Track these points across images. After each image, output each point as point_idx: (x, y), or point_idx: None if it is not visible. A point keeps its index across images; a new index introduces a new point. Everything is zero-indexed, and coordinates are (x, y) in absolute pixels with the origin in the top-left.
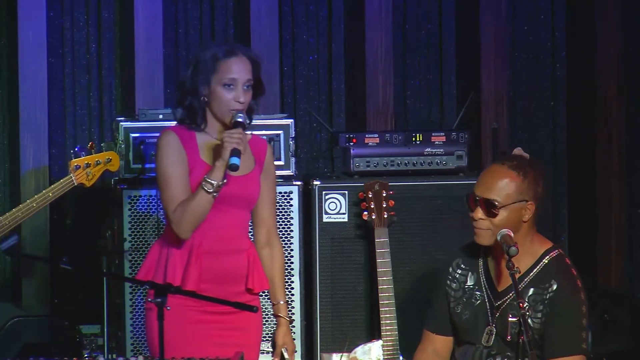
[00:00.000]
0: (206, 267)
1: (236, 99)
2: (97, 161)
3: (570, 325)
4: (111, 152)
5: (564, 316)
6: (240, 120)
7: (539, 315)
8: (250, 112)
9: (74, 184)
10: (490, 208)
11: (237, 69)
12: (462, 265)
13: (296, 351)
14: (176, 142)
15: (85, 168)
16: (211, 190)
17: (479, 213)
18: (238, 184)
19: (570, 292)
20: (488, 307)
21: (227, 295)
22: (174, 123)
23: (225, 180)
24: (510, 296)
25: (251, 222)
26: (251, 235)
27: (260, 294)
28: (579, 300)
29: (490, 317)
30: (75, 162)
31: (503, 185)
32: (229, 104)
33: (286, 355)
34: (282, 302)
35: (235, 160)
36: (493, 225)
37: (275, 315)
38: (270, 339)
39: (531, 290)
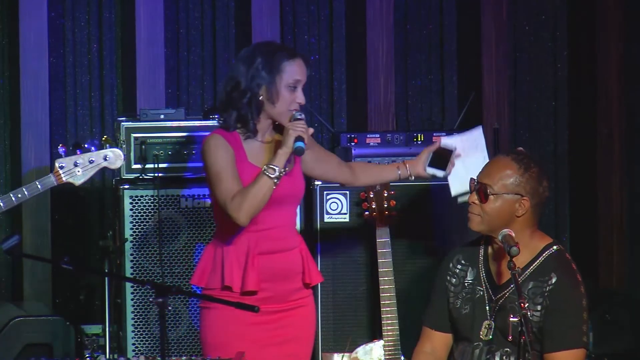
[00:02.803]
0: (263, 267)
1: (297, 100)
2: (90, 159)
3: (570, 318)
4: (112, 150)
5: (564, 310)
6: (300, 117)
7: (538, 308)
8: None
9: (53, 184)
10: (483, 193)
11: (301, 71)
12: (462, 261)
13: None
14: (224, 143)
15: (75, 167)
16: (274, 175)
17: (473, 197)
18: (284, 182)
19: (570, 285)
20: (487, 301)
21: (285, 293)
22: (174, 123)
23: (287, 169)
24: (510, 289)
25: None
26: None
27: None
28: (579, 293)
29: (488, 312)
30: (61, 160)
31: (502, 175)
32: (291, 105)
33: None
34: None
35: (300, 143)
36: (483, 212)
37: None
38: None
39: (531, 284)
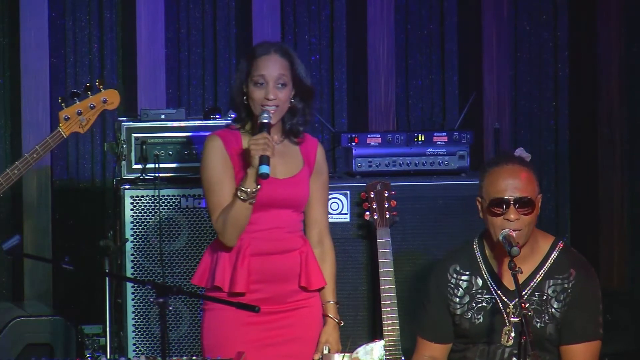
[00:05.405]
0: (254, 268)
1: (265, 96)
2: (90, 105)
3: (591, 311)
4: (108, 91)
5: (586, 302)
6: (265, 121)
7: (561, 305)
8: (295, 114)
9: (63, 137)
10: (527, 206)
11: (265, 66)
12: (461, 271)
13: (342, 353)
14: (220, 148)
15: (78, 115)
16: (245, 198)
17: (513, 214)
18: (284, 186)
19: (590, 278)
20: (502, 307)
21: (282, 294)
22: (175, 123)
23: (259, 187)
24: (527, 292)
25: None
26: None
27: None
28: (597, 285)
29: (506, 317)
30: (64, 112)
31: (528, 182)
32: (261, 102)
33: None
34: (330, 302)
35: (265, 168)
36: (525, 224)
37: (324, 315)
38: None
39: (550, 282)
